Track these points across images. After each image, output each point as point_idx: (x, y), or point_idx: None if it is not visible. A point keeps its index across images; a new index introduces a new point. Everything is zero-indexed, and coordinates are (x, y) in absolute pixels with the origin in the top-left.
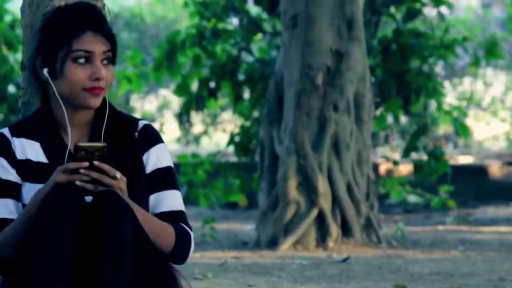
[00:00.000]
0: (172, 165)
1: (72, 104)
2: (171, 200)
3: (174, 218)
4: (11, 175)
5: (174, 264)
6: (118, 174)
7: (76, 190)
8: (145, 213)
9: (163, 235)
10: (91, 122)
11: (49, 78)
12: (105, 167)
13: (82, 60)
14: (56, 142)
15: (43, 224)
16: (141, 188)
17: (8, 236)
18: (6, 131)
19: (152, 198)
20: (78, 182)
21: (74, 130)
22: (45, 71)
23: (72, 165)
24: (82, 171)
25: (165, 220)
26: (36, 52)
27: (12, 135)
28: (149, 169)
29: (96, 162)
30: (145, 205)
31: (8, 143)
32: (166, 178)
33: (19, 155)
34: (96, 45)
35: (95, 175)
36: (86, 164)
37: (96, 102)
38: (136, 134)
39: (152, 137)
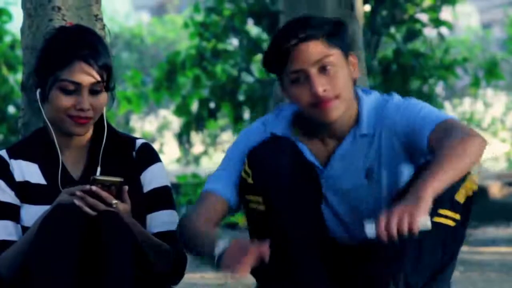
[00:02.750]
0: (169, 184)
1: (59, 130)
2: (167, 220)
3: (170, 238)
4: (10, 197)
5: (169, 284)
6: (115, 201)
7: (76, 210)
8: (145, 233)
9: (161, 255)
10: (89, 143)
11: (39, 101)
12: (103, 194)
13: (69, 89)
14: (54, 163)
15: (44, 243)
16: (139, 207)
17: (10, 257)
18: (4, 153)
19: (149, 217)
20: (76, 202)
21: (72, 152)
22: (37, 92)
23: (75, 189)
24: (78, 193)
25: (161, 239)
26: (33, 72)
27: (10, 157)
28: (146, 188)
29: (93, 188)
30: (142, 224)
31: (6, 165)
32: (163, 198)
33: (18, 177)
34: (85, 77)
35: (90, 200)
36: (87, 187)
37: (81, 130)
38: (134, 153)
39: (150, 157)
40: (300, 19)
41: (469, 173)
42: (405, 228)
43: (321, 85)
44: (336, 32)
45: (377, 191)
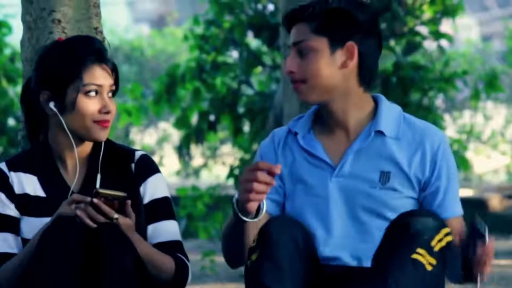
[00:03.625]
0: (168, 195)
1: (80, 137)
2: (168, 230)
3: (171, 248)
4: (10, 209)
5: None
6: (116, 216)
7: (77, 223)
8: (146, 245)
9: (163, 266)
10: (88, 155)
11: (57, 112)
12: (105, 208)
13: (93, 94)
14: (54, 176)
15: (45, 255)
16: (140, 218)
17: (10, 269)
18: (3, 165)
19: (150, 228)
20: (78, 212)
21: (71, 163)
22: (51, 105)
23: (76, 197)
24: (81, 205)
25: (163, 250)
26: (38, 87)
27: (10, 170)
28: (146, 199)
29: (95, 200)
30: (143, 235)
31: (6, 177)
32: (163, 208)
33: (17, 190)
34: (105, 79)
35: (92, 212)
36: (88, 199)
37: (105, 134)
38: (133, 165)
39: (149, 168)
40: (306, 3)
41: (445, 225)
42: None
43: (289, 66)
44: (327, 21)
45: (389, 200)
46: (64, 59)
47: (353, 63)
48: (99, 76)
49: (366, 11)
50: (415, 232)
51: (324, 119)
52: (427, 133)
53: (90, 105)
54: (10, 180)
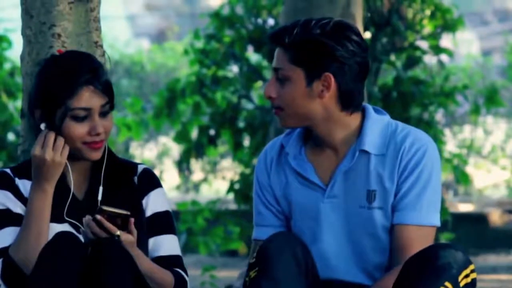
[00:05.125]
0: (169, 209)
1: (73, 156)
2: (168, 244)
3: (171, 262)
4: (20, 209)
5: None
6: (118, 233)
7: (77, 240)
8: (146, 260)
9: (162, 281)
10: (90, 167)
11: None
12: (107, 225)
13: (81, 117)
14: (57, 184)
15: (45, 271)
16: (142, 232)
17: (19, 245)
18: (8, 171)
19: (151, 242)
20: (85, 220)
21: (74, 174)
22: (42, 126)
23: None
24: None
25: (162, 264)
26: (34, 103)
27: (14, 176)
28: (148, 213)
29: (98, 217)
30: (144, 248)
31: (12, 180)
32: (164, 223)
33: (23, 194)
34: (94, 101)
35: (94, 228)
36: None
37: (97, 155)
38: (135, 178)
39: (151, 181)
40: (290, 24)
41: (470, 262)
42: None
43: (268, 91)
44: (303, 53)
45: (378, 219)
46: (54, 81)
47: (331, 93)
48: (88, 99)
49: (349, 43)
50: (444, 265)
51: (314, 140)
52: (406, 139)
53: (77, 128)
54: (16, 183)
